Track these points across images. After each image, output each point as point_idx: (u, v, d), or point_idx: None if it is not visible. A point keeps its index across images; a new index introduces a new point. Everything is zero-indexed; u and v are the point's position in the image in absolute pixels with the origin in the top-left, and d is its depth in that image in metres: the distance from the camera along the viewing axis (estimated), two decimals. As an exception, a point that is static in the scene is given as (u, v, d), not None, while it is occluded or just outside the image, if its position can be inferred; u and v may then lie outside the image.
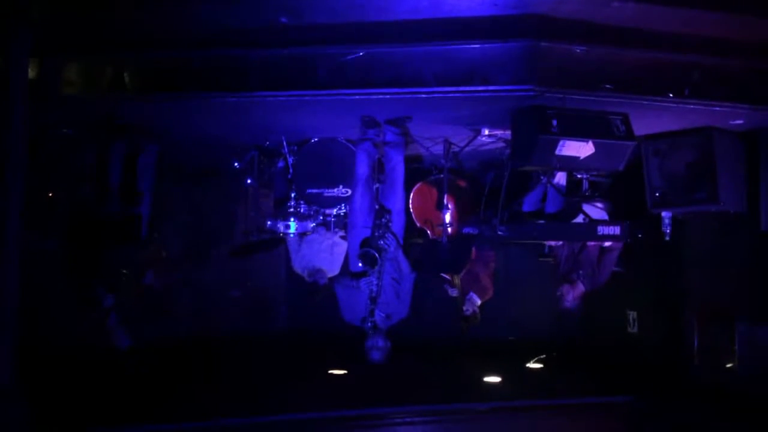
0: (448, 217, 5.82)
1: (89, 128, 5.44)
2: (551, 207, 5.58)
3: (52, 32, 4.35)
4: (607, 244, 6.00)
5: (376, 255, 4.98)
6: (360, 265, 5.06)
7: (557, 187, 5.53)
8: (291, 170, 5.95)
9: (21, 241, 4.05)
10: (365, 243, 5.08)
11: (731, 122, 5.12)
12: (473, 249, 6.26)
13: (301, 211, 5.98)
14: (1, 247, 3.98)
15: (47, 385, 4.90)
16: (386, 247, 5.07)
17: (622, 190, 5.96)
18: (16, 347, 4.00)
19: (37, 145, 5.09)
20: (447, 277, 6.60)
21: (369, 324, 5.04)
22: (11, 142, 4.04)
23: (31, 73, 4.44)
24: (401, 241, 5.19)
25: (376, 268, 5.01)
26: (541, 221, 5.55)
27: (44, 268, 5.86)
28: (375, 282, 5.03)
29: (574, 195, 5.59)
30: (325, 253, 6.21)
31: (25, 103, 4.10)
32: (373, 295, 5.02)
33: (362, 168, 5.26)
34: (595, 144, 4.65)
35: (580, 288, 6.01)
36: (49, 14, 4.17)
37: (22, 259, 4.06)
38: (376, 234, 5.09)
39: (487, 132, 5.45)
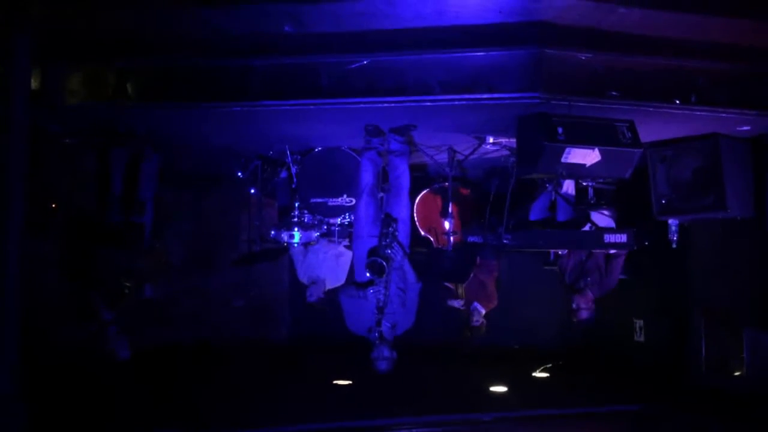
0: (452, 226, 5.79)
1: (91, 136, 5.42)
2: (562, 216, 5.55)
3: (54, 40, 4.35)
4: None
5: (384, 264, 4.94)
6: (367, 274, 5.02)
7: (565, 197, 5.50)
8: (295, 179, 5.93)
9: (23, 248, 4.03)
10: (372, 252, 5.04)
11: (738, 128, 5.10)
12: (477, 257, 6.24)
13: (305, 220, 5.95)
14: (3, 254, 3.96)
15: (47, 393, 4.85)
16: (393, 256, 5.03)
17: (628, 197, 5.93)
18: (18, 354, 3.97)
19: (39, 152, 5.06)
20: (451, 286, 6.57)
21: (375, 334, 4.99)
22: (13, 149, 4.03)
23: (34, 82, 4.43)
24: (407, 250, 5.16)
25: (384, 277, 4.97)
26: (547, 229, 5.53)
27: (45, 276, 5.83)
28: (382, 291, 4.99)
29: (580, 203, 5.57)
30: (329, 262, 6.17)
31: (26, 111, 4.09)
32: (381, 304, 4.98)
33: (367, 177, 5.24)
34: (601, 151, 4.62)
35: (590, 295, 5.97)
36: (51, 21, 4.16)
37: (24, 267, 4.04)
38: (383, 243, 5.05)
39: (491, 140, 5.43)
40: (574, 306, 5.97)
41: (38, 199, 5.44)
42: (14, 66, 4.04)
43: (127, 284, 5.94)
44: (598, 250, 5.98)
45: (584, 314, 5.95)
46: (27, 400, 4.00)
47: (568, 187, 5.67)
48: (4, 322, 3.96)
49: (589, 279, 5.97)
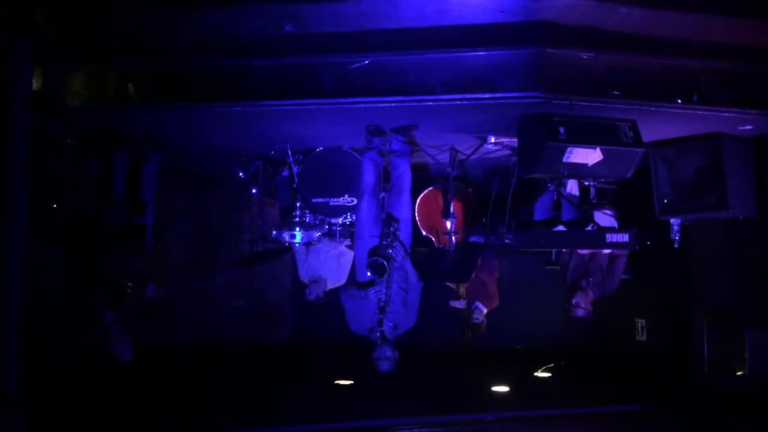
0: (453, 226, 5.78)
1: (93, 138, 5.42)
2: (566, 215, 5.55)
3: (56, 42, 4.35)
4: (607, 251, 5.97)
5: (385, 264, 4.93)
6: (369, 274, 5.01)
7: (569, 198, 5.50)
8: (296, 179, 5.93)
9: (24, 251, 4.03)
10: (373, 252, 5.04)
11: (740, 128, 5.08)
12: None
13: (307, 220, 5.95)
14: (5, 257, 3.97)
15: (49, 396, 4.86)
16: (394, 256, 5.03)
17: (630, 196, 5.93)
18: (20, 357, 3.97)
19: (40, 155, 5.07)
20: (452, 286, 6.57)
21: (377, 334, 4.99)
22: (14, 151, 4.03)
23: (36, 83, 4.43)
24: (409, 250, 5.15)
25: (385, 277, 4.96)
26: (548, 229, 5.52)
27: (47, 278, 5.83)
28: (384, 291, 4.98)
29: (582, 203, 5.56)
30: (331, 262, 6.17)
31: (28, 113, 4.09)
32: (382, 304, 4.97)
33: (368, 177, 5.23)
34: (603, 151, 4.61)
35: (591, 295, 5.97)
36: (53, 23, 4.17)
37: (26, 270, 4.04)
38: (384, 243, 5.05)
39: (493, 140, 5.42)
40: (573, 302, 5.97)
41: (40, 202, 5.45)
42: (16, 68, 4.04)
43: (129, 284, 5.94)
44: (602, 252, 5.98)
45: (581, 312, 5.95)
46: (30, 403, 4.01)
47: (572, 187, 5.67)
48: (7, 325, 3.96)
49: (591, 279, 5.96)
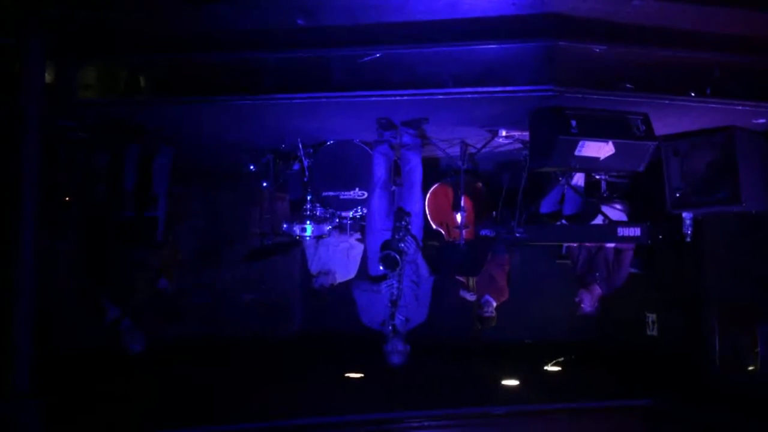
0: (464, 219, 5.77)
1: (104, 131, 5.43)
2: (569, 208, 5.53)
3: (68, 36, 4.35)
4: (610, 245, 5.95)
5: (398, 258, 4.93)
6: (381, 268, 5.02)
7: (576, 189, 5.48)
8: (307, 173, 5.92)
9: (37, 244, 4.05)
10: (385, 246, 5.04)
11: (754, 121, 5.05)
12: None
13: (317, 214, 5.95)
14: (18, 251, 4.00)
15: (62, 389, 4.88)
16: (406, 249, 5.03)
17: (641, 190, 5.90)
18: (33, 351, 3.99)
19: (53, 148, 5.09)
20: (462, 279, 6.56)
21: (389, 327, 5.00)
22: (27, 145, 4.06)
23: (48, 77, 4.45)
24: (420, 244, 5.15)
25: (397, 270, 4.97)
26: (560, 223, 5.50)
27: (60, 272, 5.87)
28: (396, 285, 4.99)
29: (591, 196, 5.54)
30: (341, 255, 6.18)
31: (40, 107, 4.11)
32: (394, 298, 4.98)
33: (379, 170, 5.23)
34: (615, 144, 4.60)
35: (597, 291, 5.96)
36: (65, 18, 4.18)
37: (39, 263, 4.06)
38: (396, 236, 5.05)
39: (504, 133, 5.41)
40: (577, 299, 5.98)
41: (52, 195, 5.47)
42: (28, 64, 4.07)
43: (140, 277, 5.96)
44: (608, 246, 5.96)
45: (586, 309, 5.95)
46: (42, 396, 4.03)
47: (578, 179, 5.65)
48: (20, 320, 3.98)
49: (597, 274, 5.95)
